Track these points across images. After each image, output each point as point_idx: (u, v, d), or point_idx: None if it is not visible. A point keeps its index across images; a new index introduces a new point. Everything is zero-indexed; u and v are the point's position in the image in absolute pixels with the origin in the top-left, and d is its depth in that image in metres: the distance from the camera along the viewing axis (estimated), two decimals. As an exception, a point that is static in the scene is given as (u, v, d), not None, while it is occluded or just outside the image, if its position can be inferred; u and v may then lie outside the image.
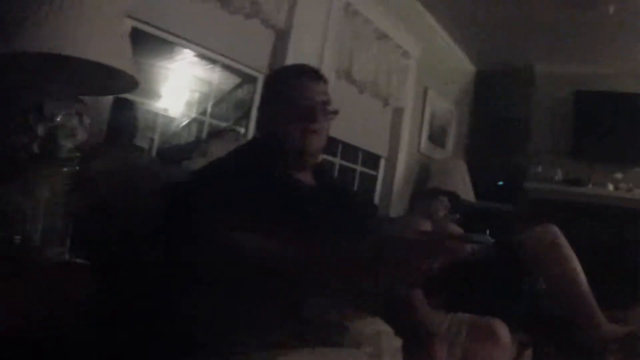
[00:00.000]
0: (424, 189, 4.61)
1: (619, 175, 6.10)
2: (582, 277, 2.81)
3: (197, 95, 3.30)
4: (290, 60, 3.45)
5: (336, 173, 4.68)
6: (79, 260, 1.57)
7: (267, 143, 1.87)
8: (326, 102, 1.86)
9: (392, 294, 1.79)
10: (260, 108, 2.00)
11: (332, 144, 4.56)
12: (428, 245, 1.12)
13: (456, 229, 4.20)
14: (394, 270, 1.10)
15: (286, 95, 1.83)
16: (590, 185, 6.19)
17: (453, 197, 4.49)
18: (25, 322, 1.31)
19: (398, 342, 1.26)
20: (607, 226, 5.99)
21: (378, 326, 1.18)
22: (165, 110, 3.05)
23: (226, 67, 3.41)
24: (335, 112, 1.90)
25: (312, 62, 3.43)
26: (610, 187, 6.12)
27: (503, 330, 2.20)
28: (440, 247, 1.11)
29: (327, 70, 3.77)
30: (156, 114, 2.99)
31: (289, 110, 1.80)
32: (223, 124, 3.39)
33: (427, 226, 3.56)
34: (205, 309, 1.39)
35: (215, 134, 2.79)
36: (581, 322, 2.76)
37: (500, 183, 6.90)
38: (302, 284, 1.22)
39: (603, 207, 6.10)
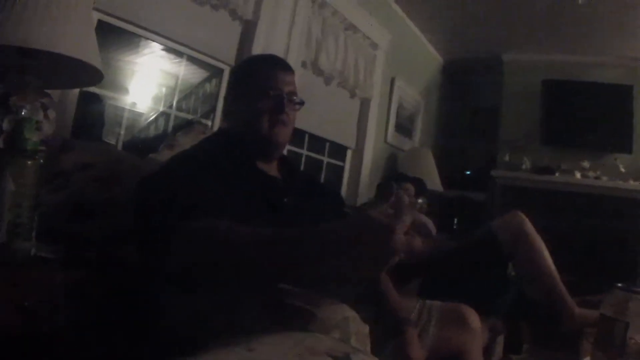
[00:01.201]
0: (390, 176, 4.63)
1: (586, 164, 6.19)
2: (550, 263, 2.85)
3: (164, 89, 3.29)
4: (258, 52, 3.45)
5: (302, 164, 4.69)
6: (45, 255, 1.56)
7: (234, 133, 1.88)
8: (293, 93, 1.87)
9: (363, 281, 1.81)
10: (227, 98, 2.00)
11: (299, 135, 4.57)
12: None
13: (424, 219, 4.24)
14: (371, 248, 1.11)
15: (253, 86, 1.83)
16: (558, 174, 6.26)
17: (419, 183, 4.51)
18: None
19: (366, 328, 1.27)
20: (577, 214, 6.09)
21: (345, 312, 1.19)
22: (133, 104, 3.03)
23: (193, 60, 3.40)
24: (302, 103, 1.91)
25: (280, 53, 3.45)
26: (578, 175, 6.20)
27: (473, 316, 2.23)
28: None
29: (294, 61, 3.78)
30: (123, 109, 2.98)
31: (256, 100, 1.81)
32: (190, 118, 3.38)
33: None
34: (179, 300, 1.40)
35: (182, 126, 2.79)
36: (552, 307, 2.81)
37: (468, 172, 6.97)
38: (276, 270, 1.24)
39: (571, 195, 6.19)
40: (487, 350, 2.81)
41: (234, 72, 2.10)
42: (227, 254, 1.27)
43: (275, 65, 1.90)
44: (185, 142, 2.47)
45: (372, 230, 1.07)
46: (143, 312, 1.48)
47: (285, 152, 2.08)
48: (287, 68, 1.91)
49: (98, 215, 1.93)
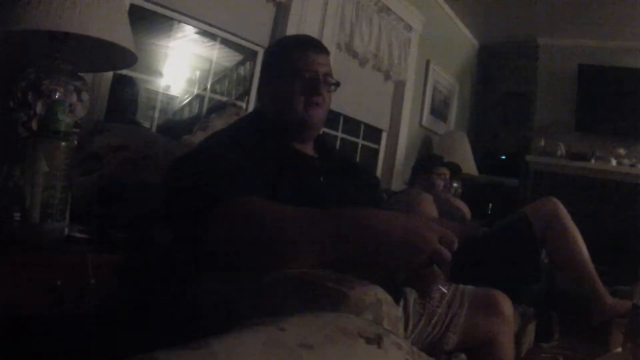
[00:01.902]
0: (426, 159, 4.59)
1: (621, 150, 6.08)
2: (584, 250, 2.80)
3: (198, 72, 3.30)
4: (291, 33, 3.43)
5: (338, 146, 4.67)
6: (77, 236, 1.57)
7: (270, 114, 1.87)
8: (328, 74, 1.86)
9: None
10: (262, 79, 1.99)
11: (334, 118, 4.56)
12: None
13: (459, 203, 4.21)
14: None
15: (288, 67, 1.82)
16: (593, 160, 6.17)
17: (454, 168, 4.48)
18: (24, 301, 1.31)
19: (398, 311, 1.27)
20: (610, 201, 6.00)
21: (378, 294, 1.18)
22: (167, 87, 3.05)
23: (226, 43, 3.40)
24: (337, 84, 1.90)
25: (313, 35, 3.42)
26: (613, 162, 6.09)
27: (506, 303, 2.19)
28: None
29: (328, 43, 3.76)
30: (157, 92, 2.99)
31: (291, 81, 1.80)
32: (224, 100, 3.39)
33: (429, 200, 3.57)
34: (209, 281, 1.40)
35: (216, 108, 2.78)
36: (584, 296, 2.77)
37: (503, 157, 6.90)
38: (316, 248, 1.25)
39: (606, 182, 6.10)
40: (518, 337, 2.78)
41: (268, 53, 2.08)
42: (268, 230, 1.28)
43: (309, 46, 1.89)
44: (219, 123, 2.47)
45: (418, 239, 1.12)
46: (173, 293, 1.48)
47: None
48: (321, 49, 1.89)
49: (130, 197, 1.94)
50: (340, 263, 1.25)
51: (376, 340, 0.82)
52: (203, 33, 3.22)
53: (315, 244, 1.24)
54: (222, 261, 1.35)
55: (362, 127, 5.09)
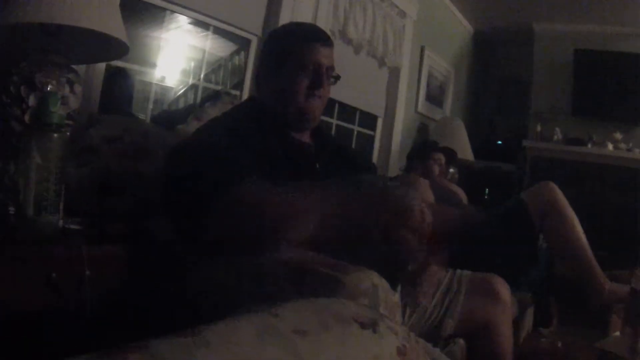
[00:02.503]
0: (421, 145, 4.60)
1: (618, 135, 6.08)
2: (582, 235, 2.80)
3: (192, 63, 3.29)
4: (285, 21, 3.42)
5: (333, 133, 4.65)
6: (72, 229, 1.57)
7: (268, 103, 1.87)
8: (331, 68, 1.85)
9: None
10: (263, 68, 1.96)
11: (329, 105, 4.53)
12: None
13: (456, 189, 4.21)
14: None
15: (293, 57, 1.81)
16: (590, 145, 6.17)
17: (450, 154, 4.48)
18: (20, 295, 1.31)
19: (395, 297, 1.27)
20: (607, 185, 6.01)
21: (374, 279, 1.18)
22: (161, 78, 3.04)
23: (219, 33, 3.38)
24: (338, 78, 1.89)
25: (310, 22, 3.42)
26: (610, 146, 6.10)
27: (503, 288, 2.20)
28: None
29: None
30: (151, 83, 2.98)
31: (296, 73, 1.79)
32: (218, 89, 3.38)
33: (426, 185, 3.56)
34: (206, 270, 1.40)
35: (210, 98, 2.77)
36: (582, 281, 2.77)
37: (499, 142, 6.90)
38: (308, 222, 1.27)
39: (603, 167, 6.10)
40: (517, 323, 2.79)
41: (272, 42, 2.01)
42: (274, 209, 1.29)
43: (317, 38, 1.87)
44: (213, 112, 2.46)
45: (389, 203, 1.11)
46: (171, 283, 1.49)
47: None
48: (327, 41, 1.88)
49: (125, 189, 1.94)
50: (345, 235, 1.25)
51: (371, 325, 0.82)
52: (196, 23, 3.20)
53: (306, 217, 1.25)
54: (226, 246, 1.35)
55: (358, 114, 5.08)
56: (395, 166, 5.23)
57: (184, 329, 0.70)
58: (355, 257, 1.26)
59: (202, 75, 3.32)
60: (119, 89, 2.76)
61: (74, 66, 1.92)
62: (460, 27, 6.83)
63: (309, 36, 1.88)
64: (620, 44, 6.13)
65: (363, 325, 0.82)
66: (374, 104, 5.20)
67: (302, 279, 1.15)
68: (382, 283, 1.22)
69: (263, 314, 0.76)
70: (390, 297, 1.23)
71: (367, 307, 0.99)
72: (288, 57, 1.82)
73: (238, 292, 1.27)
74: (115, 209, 1.87)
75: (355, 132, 5.12)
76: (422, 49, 5.78)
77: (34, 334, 1.30)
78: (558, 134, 6.30)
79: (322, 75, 1.80)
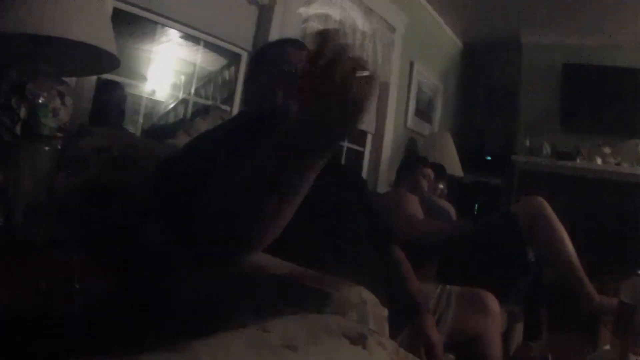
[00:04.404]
0: (410, 160, 4.61)
1: (607, 150, 6.11)
2: (570, 248, 2.83)
3: (182, 76, 3.30)
4: (275, 36, 3.43)
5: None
6: (62, 238, 1.57)
7: (253, 112, 1.87)
8: None
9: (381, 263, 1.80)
10: (245, 83, 2.01)
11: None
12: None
13: (445, 204, 4.23)
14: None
15: (268, 65, 1.84)
16: (578, 159, 6.19)
17: (439, 169, 4.50)
18: (10, 303, 1.31)
19: (384, 312, 1.27)
20: (596, 200, 6.03)
21: (362, 294, 1.18)
22: (151, 92, 3.04)
23: (210, 47, 3.40)
24: None
25: (297, 37, 3.43)
26: (599, 160, 6.12)
27: (492, 301, 2.21)
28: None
29: (312, 46, 3.75)
30: (141, 97, 2.99)
31: (270, 77, 1.81)
32: (209, 104, 3.38)
33: (415, 201, 3.57)
34: (196, 281, 1.40)
35: (200, 112, 2.78)
36: (571, 293, 2.79)
37: (488, 158, 6.92)
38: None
39: (591, 181, 6.12)
40: (506, 336, 2.80)
41: (251, 59, 2.10)
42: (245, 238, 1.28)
43: (286, 43, 1.91)
44: (203, 126, 2.47)
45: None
46: (159, 294, 1.48)
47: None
48: (299, 45, 1.90)
49: (114, 198, 1.94)
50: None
51: (361, 341, 0.83)
52: (187, 37, 3.21)
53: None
54: (209, 251, 1.34)
55: (347, 129, 5.05)
56: (384, 182, 5.23)
57: (174, 343, 0.70)
58: (344, 272, 1.26)
59: (192, 90, 3.32)
60: (110, 101, 2.76)
61: (64, 78, 1.92)
62: (449, 41, 6.85)
63: (278, 43, 1.94)
64: (608, 57, 6.16)
65: (353, 341, 0.82)
66: (364, 120, 5.16)
67: (291, 292, 1.15)
68: (371, 297, 1.22)
69: (253, 328, 0.76)
70: (378, 311, 1.24)
71: (356, 323, 0.99)
72: (262, 66, 1.85)
73: (228, 303, 1.27)
74: (103, 217, 1.87)
75: (345, 148, 5.12)
76: (412, 64, 5.79)
77: (23, 343, 1.29)
78: (547, 149, 6.32)
79: (296, 75, 1.79)
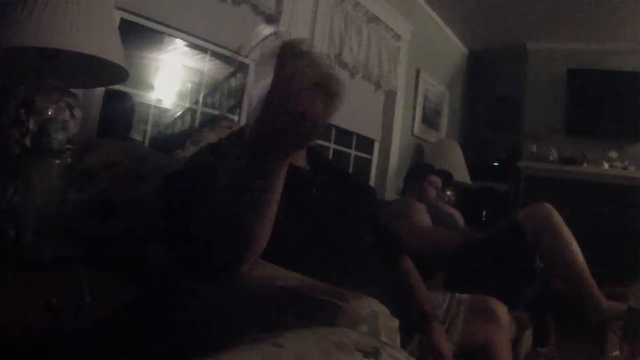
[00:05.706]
0: (417, 168, 4.62)
1: (613, 154, 6.10)
2: (578, 253, 2.82)
3: (189, 85, 3.30)
4: (281, 46, 3.43)
5: (330, 157, 4.65)
6: (71, 254, 1.57)
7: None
8: None
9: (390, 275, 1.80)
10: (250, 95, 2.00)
11: (326, 129, 4.54)
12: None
13: (452, 211, 4.22)
14: None
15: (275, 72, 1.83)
16: (585, 164, 6.18)
17: (446, 176, 4.49)
18: (19, 319, 1.31)
19: (395, 322, 1.26)
20: (604, 204, 6.01)
21: (373, 306, 1.18)
22: (158, 101, 3.05)
23: (217, 56, 3.40)
24: None
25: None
26: (605, 165, 6.11)
27: (501, 310, 2.20)
28: None
29: (318, 55, 3.76)
30: (149, 106, 2.99)
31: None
32: (216, 113, 3.38)
33: (422, 208, 3.57)
34: (204, 297, 1.40)
35: (208, 122, 2.78)
36: (579, 299, 2.78)
37: (496, 164, 6.91)
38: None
39: (599, 185, 6.11)
40: (515, 343, 2.78)
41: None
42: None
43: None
44: (211, 137, 2.47)
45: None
46: (167, 310, 1.48)
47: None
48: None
49: (123, 214, 1.94)
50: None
51: (374, 354, 0.83)
52: (193, 46, 3.22)
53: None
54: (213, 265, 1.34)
55: (355, 137, 5.09)
56: (392, 189, 5.23)
57: (185, 358, 0.70)
58: (352, 283, 1.26)
59: (200, 98, 3.33)
60: (117, 111, 2.77)
61: (73, 90, 1.93)
62: (454, 49, 6.86)
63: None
64: (613, 62, 6.16)
65: (366, 354, 0.82)
66: (371, 128, 5.20)
67: (301, 306, 1.15)
68: (382, 309, 1.22)
69: (266, 343, 0.76)
70: (389, 323, 1.23)
71: (369, 336, 0.99)
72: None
73: (237, 318, 1.27)
74: (112, 233, 1.86)
75: (353, 156, 5.12)
76: (418, 72, 5.79)
77: (33, 359, 1.29)
78: (553, 154, 6.31)
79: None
